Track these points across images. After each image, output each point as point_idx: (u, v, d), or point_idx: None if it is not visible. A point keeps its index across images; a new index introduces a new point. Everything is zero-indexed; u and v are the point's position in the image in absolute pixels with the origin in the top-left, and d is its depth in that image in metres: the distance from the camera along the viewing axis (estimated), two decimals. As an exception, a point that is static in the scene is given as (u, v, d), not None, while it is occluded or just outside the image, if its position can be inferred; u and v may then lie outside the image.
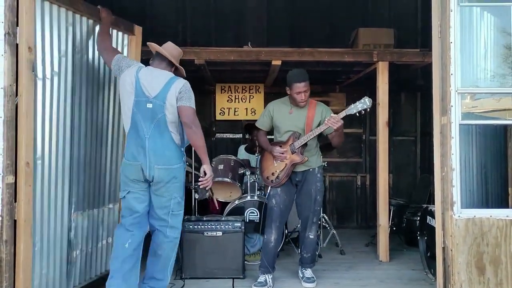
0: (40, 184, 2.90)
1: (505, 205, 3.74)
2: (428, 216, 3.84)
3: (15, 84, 2.66)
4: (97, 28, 3.37)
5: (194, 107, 3.12)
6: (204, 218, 4.09)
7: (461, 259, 2.90)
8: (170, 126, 3.09)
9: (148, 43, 3.32)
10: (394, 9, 6.26)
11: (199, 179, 3.20)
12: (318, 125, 3.68)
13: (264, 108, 4.10)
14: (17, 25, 2.67)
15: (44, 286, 2.96)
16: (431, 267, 3.67)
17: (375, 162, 4.79)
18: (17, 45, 2.67)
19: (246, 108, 6.26)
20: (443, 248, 3.00)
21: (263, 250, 3.82)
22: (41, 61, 2.88)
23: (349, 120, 3.61)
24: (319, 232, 4.55)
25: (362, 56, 4.66)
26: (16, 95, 2.68)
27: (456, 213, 2.91)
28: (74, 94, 3.19)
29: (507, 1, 3.12)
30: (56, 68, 3.01)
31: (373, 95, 4.37)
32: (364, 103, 3.51)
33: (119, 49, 3.62)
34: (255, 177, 4.54)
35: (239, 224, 3.98)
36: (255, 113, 6.15)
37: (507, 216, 2.92)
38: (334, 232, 4.99)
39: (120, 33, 3.66)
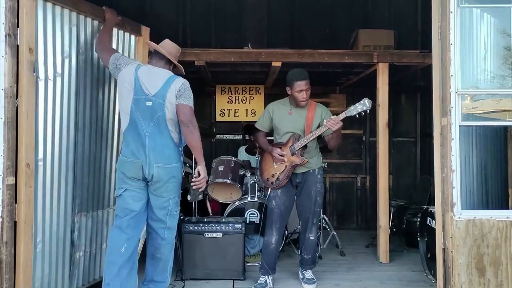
0: (41, 185, 2.90)
1: (505, 206, 3.74)
2: (428, 217, 3.84)
3: (15, 86, 2.66)
4: None
5: (193, 107, 3.11)
6: (205, 219, 4.09)
7: (462, 260, 2.90)
8: (169, 124, 3.07)
9: (146, 42, 3.31)
10: (394, 10, 6.27)
11: (193, 180, 3.14)
12: (318, 126, 3.68)
13: (264, 109, 4.11)
14: (18, 27, 2.68)
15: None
16: (431, 268, 3.67)
17: (375, 163, 4.79)
18: (17, 46, 2.67)
19: (246, 109, 6.26)
20: (443, 249, 3.00)
21: (264, 251, 3.82)
22: (43, 62, 2.89)
23: (349, 121, 3.61)
24: (319, 233, 4.55)
25: (362, 58, 4.67)
26: (17, 96, 2.68)
27: (456, 215, 2.91)
28: (78, 95, 3.18)
29: (507, 3, 3.12)
30: (59, 69, 3.01)
31: (373, 96, 4.38)
32: (363, 105, 3.51)
33: (126, 50, 3.63)
34: (255, 178, 4.55)
35: (239, 225, 3.98)
36: (255, 114, 6.16)
37: (507, 218, 2.92)
38: (334, 233, 4.99)
39: (127, 34, 3.65)
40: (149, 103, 3.02)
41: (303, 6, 6.19)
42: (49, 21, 2.92)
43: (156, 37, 3.67)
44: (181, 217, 4.18)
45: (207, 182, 4.33)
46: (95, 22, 3.33)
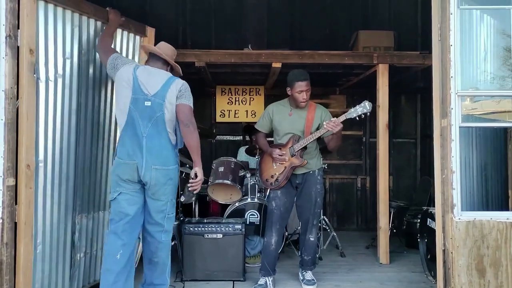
0: (42, 187, 2.90)
1: (506, 208, 3.74)
2: (428, 219, 3.84)
3: (16, 87, 2.67)
4: None
5: (192, 107, 3.10)
6: (205, 220, 4.09)
7: (462, 261, 2.90)
8: (167, 125, 3.03)
9: (141, 45, 3.30)
10: (394, 10, 6.28)
11: (190, 182, 3.11)
12: (318, 127, 3.68)
13: (264, 110, 4.11)
14: (19, 28, 2.68)
15: (46, 289, 2.96)
16: (432, 269, 3.66)
17: (375, 164, 4.79)
18: (18, 47, 2.68)
19: (246, 110, 6.27)
20: (444, 250, 3.00)
21: (264, 252, 3.82)
22: (44, 64, 2.89)
23: (349, 122, 3.60)
24: (319, 234, 4.55)
25: (362, 59, 4.67)
26: (18, 97, 2.68)
27: (457, 216, 2.92)
28: (80, 96, 3.18)
29: (506, 4, 3.13)
30: (59, 71, 3.01)
31: (373, 97, 4.38)
32: (364, 107, 3.50)
33: (130, 51, 3.63)
34: (255, 179, 4.55)
35: (239, 226, 3.98)
36: (255, 115, 6.16)
37: (507, 219, 2.92)
38: (335, 234, 4.99)
39: (131, 35, 3.64)
40: (148, 103, 2.98)
41: (303, 6, 6.20)
42: (51, 22, 2.92)
43: (156, 38, 3.68)
44: (181, 218, 4.19)
45: (206, 183, 4.35)
46: (98, 23, 3.33)
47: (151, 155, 2.97)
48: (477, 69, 3.30)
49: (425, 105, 6.22)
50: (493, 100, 3.73)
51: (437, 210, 3.07)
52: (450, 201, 2.93)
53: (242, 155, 5.37)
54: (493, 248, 2.90)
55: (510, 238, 2.89)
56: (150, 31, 3.80)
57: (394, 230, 5.16)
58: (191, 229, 3.95)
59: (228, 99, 6.28)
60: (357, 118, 3.54)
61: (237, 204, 4.54)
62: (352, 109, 3.54)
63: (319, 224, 4.62)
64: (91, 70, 3.29)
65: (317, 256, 4.22)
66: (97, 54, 3.31)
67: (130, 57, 3.60)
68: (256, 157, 4.61)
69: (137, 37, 3.71)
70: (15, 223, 2.68)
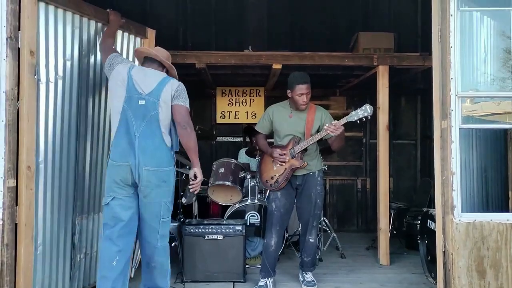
0: (42, 188, 2.90)
1: (506, 209, 3.74)
2: (428, 220, 3.84)
3: (17, 88, 2.67)
4: None
5: (189, 108, 3.07)
6: (205, 222, 4.09)
7: (462, 263, 2.90)
8: (162, 125, 2.96)
9: (136, 48, 3.29)
10: (395, 11, 6.28)
11: (190, 183, 3.08)
12: (318, 129, 3.69)
13: (264, 111, 4.11)
14: (19, 30, 2.68)
15: (46, 290, 2.96)
16: (432, 270, 3.66)
17: (375, 166, 4.79)
18: (19, 49, 2.68)
19: (247, 112, 6.27)
20: (444, 252, 3.00)
21: (264, 254, 3.82)
22: (45, 65, 2.89)
23: (349, 124, 3.60)
24: (319, 236, 4.55)
25: (362, 60, 4.68)
26: (18, 99, 2.69)
27: (457, 217, 2.92)
28: (80, 97, 3.18)
29: (506, 6, 3.13)
30: (60, 72, 3.01)
31: (373, 99, 4.39)
32: (365, 111, 3.50)
33: (131, 52, 3.62)
34: (255, 180, 4.55)
35: (240, 228, 3.98)
36: (255, 117, 6.17)
37: (507, 220, 2.92)
38: (335, 235, 4.98)
39: (132, 36, 3.64)
40: (142, 102, 2.93)
41: (303, 7, 6.20)
42: (51, 23, 2.93)
43: (156, 39, 3.68)
44: (182, 220, 4.19)
45: (207, 184, 4.35)
46: (99, 25, 3.33)
47: (144, 156, 2.90)
48: (477, 71, 3.31)
49: (425, 107, 6.22)
50: (493, 102, 3.74)
51: (437, 211, 3.07)
52: (450, 203, 2.93)
53: (242, 157, 5.37)
54: (493, 249, 2.90)
55: (510, 239, 2.89)
56: (151, 33, 3.80)
57: (394, 232, 5.16)
58: (192, 230, 3.96)
59: (229, 101, 6.29)
60: (358, 121, 3.55)
61: (237, 206, 4.54)
62: (353, 112, 3.54)
63: (319, 226, 4.62)
64: (91, 72, 3.29)
65: (317, 257, 4.22)
66: (98, 56, 3.32)
67: (130, 58, 3.59)
68: (257, 158, 4.61)
69: (138, 39, 3.72)
70: (16, 224, 2.68)
